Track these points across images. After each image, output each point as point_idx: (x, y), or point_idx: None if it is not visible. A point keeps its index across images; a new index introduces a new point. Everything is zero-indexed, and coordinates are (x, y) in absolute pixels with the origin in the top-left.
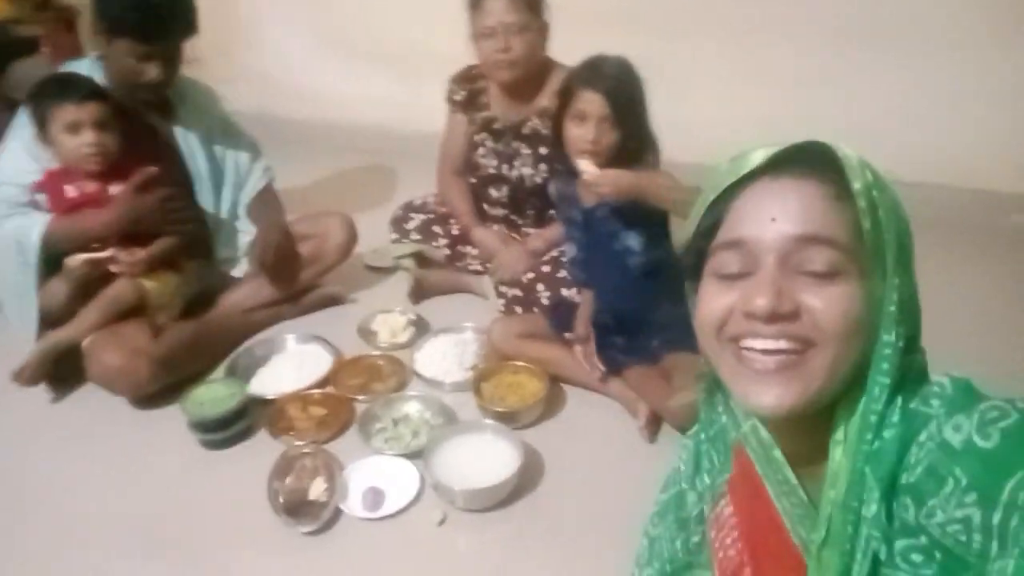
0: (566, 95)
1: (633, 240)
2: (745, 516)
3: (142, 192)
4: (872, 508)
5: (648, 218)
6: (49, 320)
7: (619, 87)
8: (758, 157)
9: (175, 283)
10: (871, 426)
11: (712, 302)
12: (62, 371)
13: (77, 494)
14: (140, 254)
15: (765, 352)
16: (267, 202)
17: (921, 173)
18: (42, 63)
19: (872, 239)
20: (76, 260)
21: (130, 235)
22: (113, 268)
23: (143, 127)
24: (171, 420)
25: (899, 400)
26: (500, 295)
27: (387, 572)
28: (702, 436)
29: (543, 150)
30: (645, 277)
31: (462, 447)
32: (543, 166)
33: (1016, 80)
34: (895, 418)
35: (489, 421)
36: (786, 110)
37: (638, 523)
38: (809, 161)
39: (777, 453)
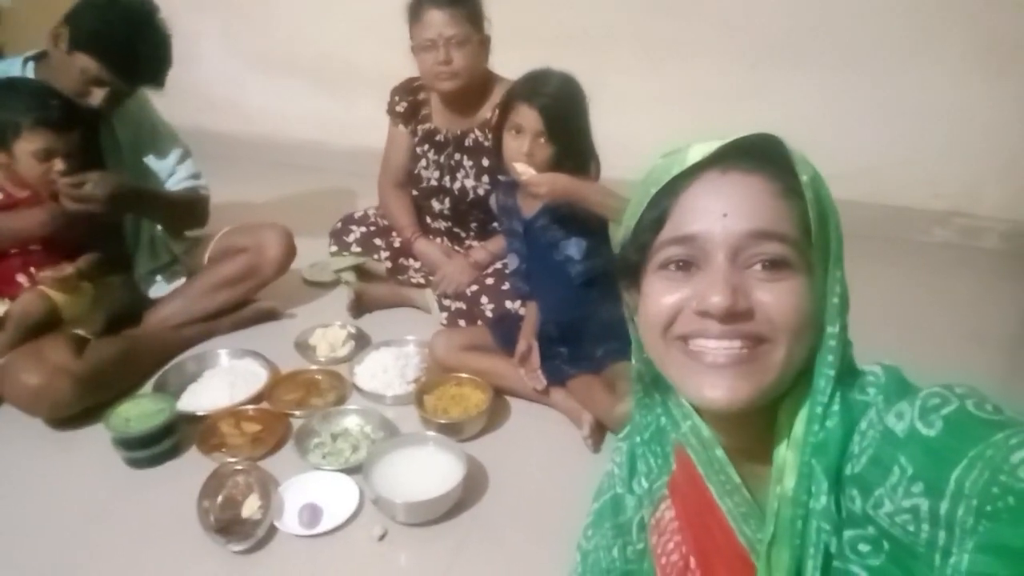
0: (505, 107)
1: (573, 249)
2: (690, 518)
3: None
4: (821, 500)
5: (588, 226)
6: None
7: (556, 103)
8: (704, 149)
9: (88, 295)
10: (817, 418)
11: (660, 299)
12: None
13: None
14: (68, 269)
15: (717, 347)
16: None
17: (838, 189)
18: None
19: (819, 231)
20: None
21: (51, 247)
22: (30, 282)
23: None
24: (93, 440)
25: (838, 390)
26: (443, 308)
27: None
28: (637, 439)
29: (485, 162)
30: (587, 286)
31: (403, 460)
32: (485, 178)
33: (928, 99)
34: (835, 407)
35: (431, 433)
36: (708, 127)
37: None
38: (754, 155)
39: (719, 452)
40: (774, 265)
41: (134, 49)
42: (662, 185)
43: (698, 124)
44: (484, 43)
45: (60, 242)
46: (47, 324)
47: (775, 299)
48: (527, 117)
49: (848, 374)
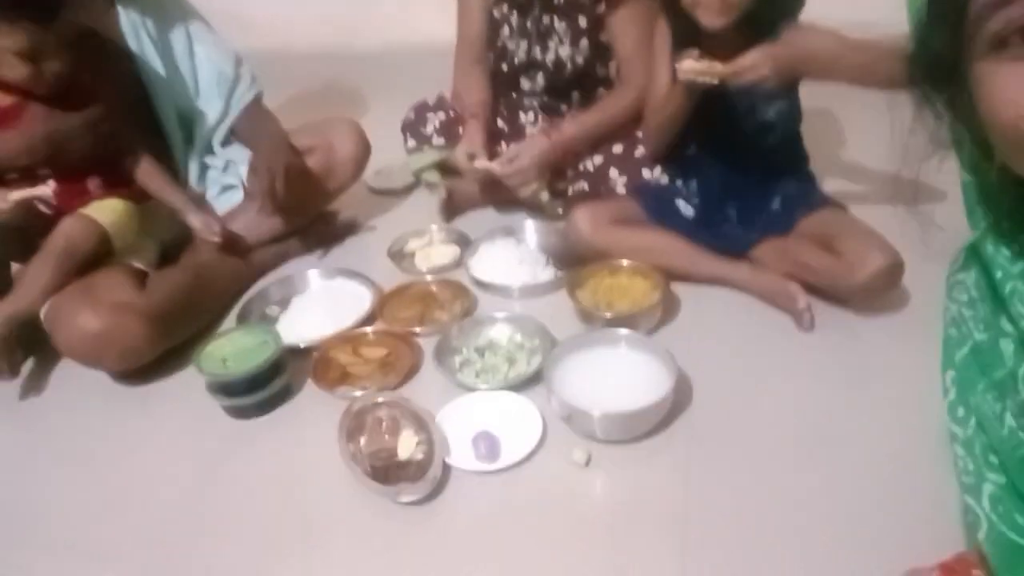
0: None
1: (772, 111)
2: None
3: (65, 111)
4: None
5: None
6: None
7: None
8: None
9: (134, 217)
10: None
11: (1015, 91)
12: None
13: (74, 509)
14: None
15: None
16: (260, 119)
17: None
18: None
19: None
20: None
21: (65, 165)
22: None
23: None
24: (177, 392)
25: None
26: (557, 194)
27: (539, 531)
28: (999, 274)
29: (583, 22)
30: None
31: (591, 365)
32: (584, 42)
33: None
34: None
35: (623, 331)
36: None
37: (821, 429)
38: None
39: None
40: None
41: None
42: None
43: None
44: None
45: (66, 160)
46: (96, 257)
47: None
48: None
49: None
